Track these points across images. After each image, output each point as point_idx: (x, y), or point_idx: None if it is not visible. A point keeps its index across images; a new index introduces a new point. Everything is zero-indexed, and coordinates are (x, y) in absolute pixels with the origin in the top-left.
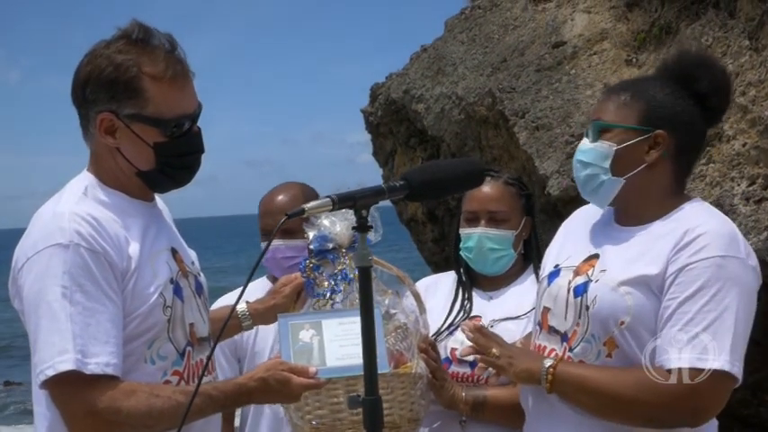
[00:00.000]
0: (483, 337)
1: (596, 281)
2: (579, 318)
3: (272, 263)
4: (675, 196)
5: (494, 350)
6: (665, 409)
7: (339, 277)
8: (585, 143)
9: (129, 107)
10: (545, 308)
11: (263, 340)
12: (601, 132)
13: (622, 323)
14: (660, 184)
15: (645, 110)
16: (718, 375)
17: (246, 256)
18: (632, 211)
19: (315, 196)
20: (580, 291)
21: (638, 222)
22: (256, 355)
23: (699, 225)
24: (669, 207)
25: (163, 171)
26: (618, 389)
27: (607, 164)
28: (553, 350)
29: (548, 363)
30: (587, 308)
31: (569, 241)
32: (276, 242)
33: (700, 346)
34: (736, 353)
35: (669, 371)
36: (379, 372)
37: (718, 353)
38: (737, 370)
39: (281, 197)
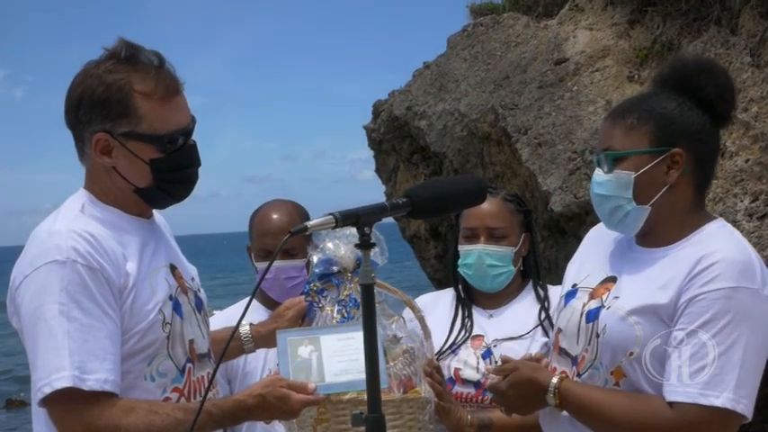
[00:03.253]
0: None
1: (608, 308)
2: (589, 344)
3: (274, 284)
4: (697, 213)
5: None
6: None
7: (350, 304)
8: (600, 174)
9: (122, 126)
10: (558, 329)
11: (255, 360)
12: (615, 161)
13: (631, 354)
14: (684, 201)
15: (655, 129)
16: (722, 413)
17: (245, 274)
18: (656, 232)
19: (305, 213)
20: (592, 316)
21: (661, 243)
22: (247, 375)
23: (714, 252)
24: (691, 226)
25: (160, 187)
26: (619, 415)
27: (629, 193)
28: (564, 372)
29: (555, 379)
30: (597, 335)
31: (589, 259)
32: (277, 262)
33: (703, 382)
34: (743, 389)
35: (671, 404)
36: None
37: (723, 389)
38: (743, 407)
39: (277, 216)
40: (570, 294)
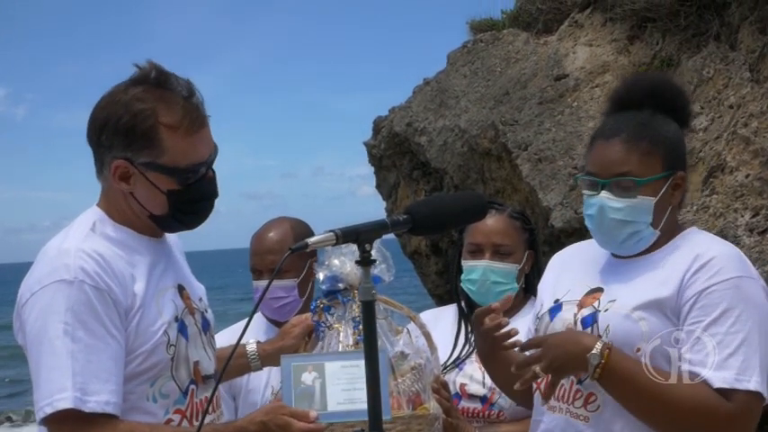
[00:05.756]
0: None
1: (606, 310)
2: None
3: (266, 303)
4: (676, 224)
5: (536, 369)
6: (709, 427)
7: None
8: (613, 199)
9: (144, 156)
10: None
11: (257, 378)
12: (639, 187)
13: (638, 350)
14: (673, 219)
15: (665, 154)
16: (752, 396)
17: (239, 291)
18: None
19: (307, 232)
20: (589, 321)
21: (642, 252)
22: (250, 392)
23: (708, 249)
24: (670, 234)
25: (175, 216)
26: (673, 396)
27: (649, 218)
28: (561, 384)
29: (599, 345)
30: (599, 337)
31: (565, 277)
32: (265, 282)
33: (734, 368)
34: (764, 373)
35: (718, 391)
36: (384, 418)
37: (751, 373)
38: (765, 390)
39: (270, 234)
40: (555, 309)
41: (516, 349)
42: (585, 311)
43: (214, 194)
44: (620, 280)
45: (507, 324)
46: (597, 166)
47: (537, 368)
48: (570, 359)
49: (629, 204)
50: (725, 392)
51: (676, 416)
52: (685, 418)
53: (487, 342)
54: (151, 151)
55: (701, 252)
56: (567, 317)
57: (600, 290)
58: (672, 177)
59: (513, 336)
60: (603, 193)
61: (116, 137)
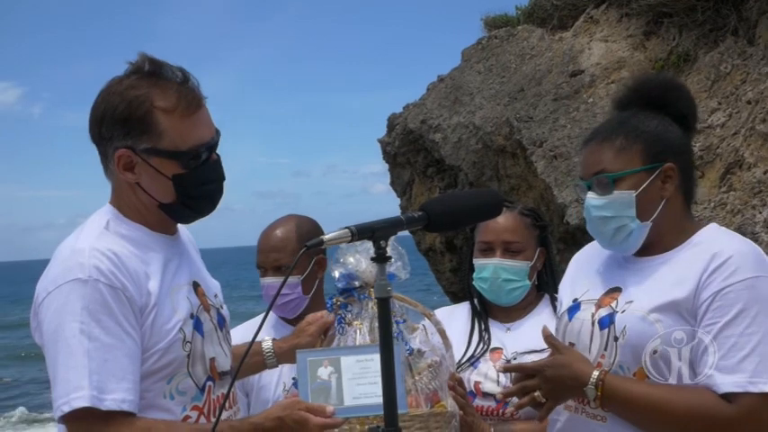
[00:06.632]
0: (526, 378)
1: (623, 311)
2: (605, 349)
3: (268, 299)
4: (689, 219)
5: (536, 394)
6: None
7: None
8: (595, 198)
9: (144, 142)
10: (570, 344)
11: (269, 375)
12: (614, 183)
13: (655, 351)
14: (676, 211)
15: (645, 147)
16: (766, 398)
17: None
18: (653, 243)
19: (313, 229)
20: (606, 322)
21: (659, 251)
22: (262, 389)
23: (724, 248)
24: (687, 232)
25: (184, 202)
26: (675, 409)
27: (632, 212)
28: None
29: (596, 373)
30: (616, 338)
31: (583, 276)
32: (270, 279)
33: (749, 370)
34: None
35: (724, 396)
36: (399, 412)
37: (766, 375)
38: None
39: (275, 233)
40: (574, 309)
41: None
42: (603, 312)
43: (221, 177)
44: (638, 280)
45: None
46: (582, 169)
47: (537, 394)
48: (568, 391)
49: (608, 201)
50: (734, 396)
51: (681, 427)
52: (690, 428)
53: None
54: (150, 136)
55: (718, 251)
56: (585, 317)
57: (618, 290)
58: (658, 169)
59: None
60: (589, 194)
61: (115, 126)
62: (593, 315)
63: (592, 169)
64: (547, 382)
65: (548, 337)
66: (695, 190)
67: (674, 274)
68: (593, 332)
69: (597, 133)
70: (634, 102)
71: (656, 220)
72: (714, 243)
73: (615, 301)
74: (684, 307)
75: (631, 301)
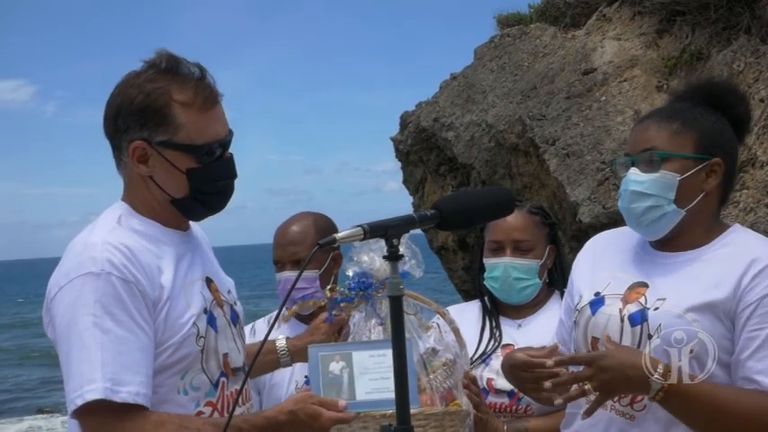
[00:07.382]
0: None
1: (656, 309)
2: (638, 346)
3: (283, 294)
4: (718, 221)
5: (587, 387)
6: None
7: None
8: (638, 174)
9: (160, 134)
10: (593, 338)
11: (282, 372)
12: (662, 161)
13: (691, 351)
14: (710, 209)
15: (699, 137)
16: None
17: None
18: (680, 238)
19: (329, 225)
20: (638, 319)
21: (685, 248)
22: (274, 387)
23: (763, 254)
24: (716, 231)
25: (196, 198)
26: (742, 410)
27: (672, 195)
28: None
29: (661, 366)
30: (650, 336)
31: (602, 268)
32: (288, 273)
33: None
34: None
35: None
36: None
37: None
38: None
39: (292, 227)
40: (597, 303)
41: (551, 361)
42: (632, 308)
43: (233, 174)
44: (667, 276)
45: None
46: (630, 146)
47: (587, 386)
48: (630, 383)
49: (651, 178)
50: None
51: (741, 429)
52: (750, 429)
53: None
54: (167, 129)
55: (758, 256)
56: (612, 312)
57: (644, 285)
58: (707, 162)
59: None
60: (632, 170)
61: (131, 118)
62: (620, 311)
63: (642, 146)
64: (603, 372)
65: (567, 361)
66: (730, 196)
67: (708, 275)
68: (622, 328)
69: (654, 114)
70: (695, 97)
71: (690, 210)
72: (750, 248)
73: (644, 297)
74: (722, 309)
75: (664, 299)
